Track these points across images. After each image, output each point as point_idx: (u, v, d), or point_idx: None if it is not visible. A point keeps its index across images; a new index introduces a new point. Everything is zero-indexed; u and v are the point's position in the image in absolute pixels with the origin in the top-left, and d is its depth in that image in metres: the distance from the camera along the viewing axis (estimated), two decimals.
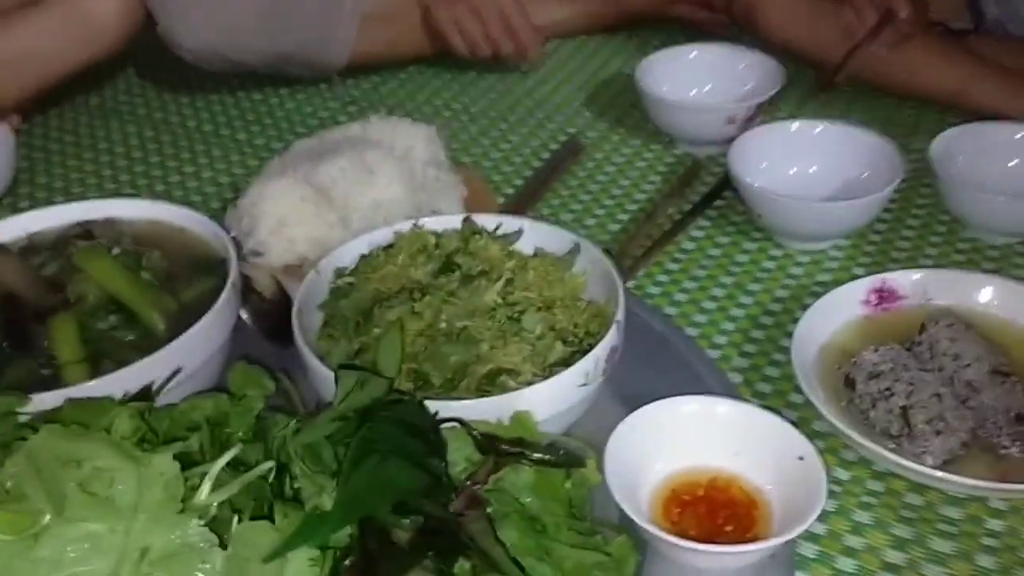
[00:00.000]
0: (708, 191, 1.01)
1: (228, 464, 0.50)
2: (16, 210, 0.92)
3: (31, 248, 0.76)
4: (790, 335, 0.76)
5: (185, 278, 0.75)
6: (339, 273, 0.76)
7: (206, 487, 0.49)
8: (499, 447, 0.53)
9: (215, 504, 0.49)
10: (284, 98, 1.22)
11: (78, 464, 0.48)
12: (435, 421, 0.55)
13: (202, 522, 0.48)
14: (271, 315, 0.80)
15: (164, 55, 1.17)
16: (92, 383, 0.63)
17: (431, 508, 0.48)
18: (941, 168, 0.92)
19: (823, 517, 0.66)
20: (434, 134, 0.92)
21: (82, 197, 0.98)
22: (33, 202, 1.02)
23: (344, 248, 0.78)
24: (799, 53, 1.16)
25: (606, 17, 1.36)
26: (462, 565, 0.49)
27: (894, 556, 0.64)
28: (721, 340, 0.83)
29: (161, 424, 0.54)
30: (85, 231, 0.76)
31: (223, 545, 0.47)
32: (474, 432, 0.54)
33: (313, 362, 0.66)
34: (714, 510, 0.63)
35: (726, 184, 1.00)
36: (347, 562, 0.48)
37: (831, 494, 0.68)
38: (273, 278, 0.83)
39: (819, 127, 0.99)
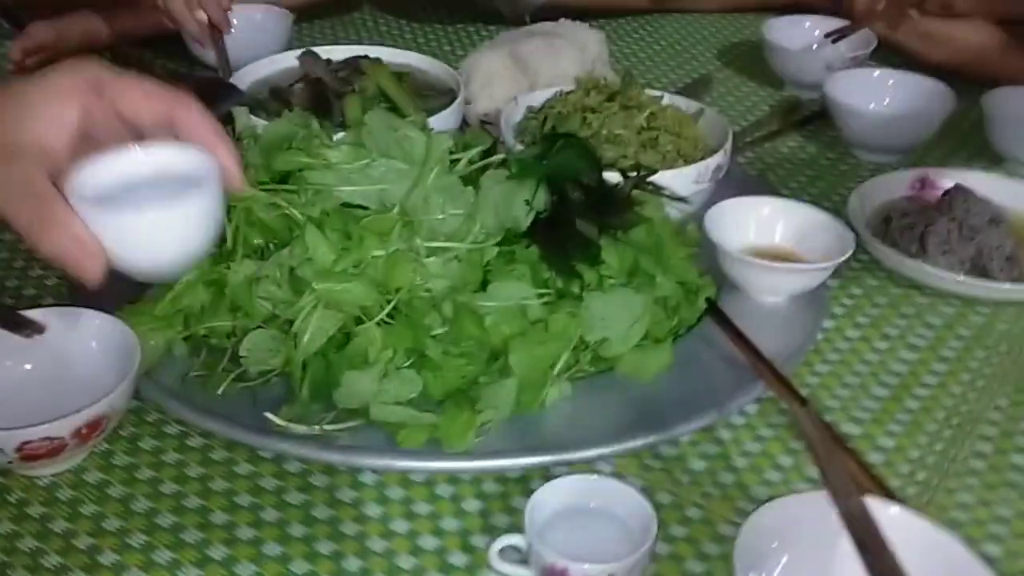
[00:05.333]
0: (805, 116, 1.30)
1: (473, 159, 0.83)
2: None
3: (328, 63, 1.11)
4: None
5: (425, 96, 1.08)
6: (530, 109, 1.09)
7: (464, 160, 0.81)
8: (639, 174, 0.85)
9: (466, 169, 0.81)
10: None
11: (395, 130, 0.80)
12: (595, 154, 0.86)
13: (457, 176, 0.80)
14: None
15: None
16: None
17: (597, 184, 0.79)
18: None
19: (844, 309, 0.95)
20: (603, 38, 1.25)
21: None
22: None
23: (535, 93, 1.10)
24: None
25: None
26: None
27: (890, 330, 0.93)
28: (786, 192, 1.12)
29: None
30: (365, 57, 1.11)
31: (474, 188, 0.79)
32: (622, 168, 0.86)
33: (511, 142, 0.98)
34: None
35: (820, 114, 1.29)
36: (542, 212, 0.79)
37: (854, 296, 0.96)
38: (478, 120, 1.17)
39: (894, 76, 1.27)
